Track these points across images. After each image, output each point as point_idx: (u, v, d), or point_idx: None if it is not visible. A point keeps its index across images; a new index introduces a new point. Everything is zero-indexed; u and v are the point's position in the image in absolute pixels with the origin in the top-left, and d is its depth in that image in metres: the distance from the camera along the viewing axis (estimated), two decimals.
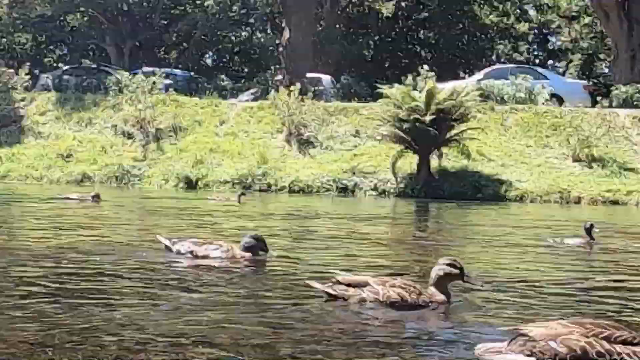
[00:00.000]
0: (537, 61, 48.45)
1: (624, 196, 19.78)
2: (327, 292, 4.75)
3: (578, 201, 19.81)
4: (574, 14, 44.02)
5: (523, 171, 21.75)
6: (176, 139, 24.52)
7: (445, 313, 4.55)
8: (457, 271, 4.69)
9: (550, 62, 49.21)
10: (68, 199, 14.55)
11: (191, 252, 6.41)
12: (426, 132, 20.27)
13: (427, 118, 20.15)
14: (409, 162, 21.65)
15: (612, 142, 23.14)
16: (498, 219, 14.25)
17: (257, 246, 6.45)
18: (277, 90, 25.14)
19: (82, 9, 42.75)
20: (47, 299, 4.79)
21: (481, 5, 45.40)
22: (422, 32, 46.68)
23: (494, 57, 47.10)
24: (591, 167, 21.89)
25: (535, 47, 49.29)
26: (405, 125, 20.65)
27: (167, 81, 29.19)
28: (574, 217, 14.41)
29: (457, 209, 16.74)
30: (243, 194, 16.87)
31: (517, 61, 45.30)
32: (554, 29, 47.42)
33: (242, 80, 39.62)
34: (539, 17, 47.00)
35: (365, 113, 24.03)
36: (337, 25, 42.47)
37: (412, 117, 20.32)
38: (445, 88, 22.87)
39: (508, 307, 4.86)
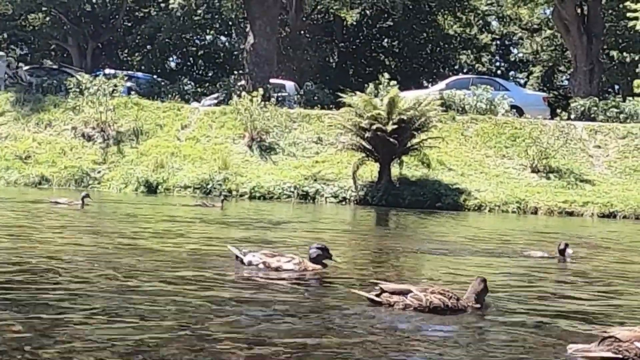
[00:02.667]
0: (499, 72, 49.17)
1: (580, 207, 20.13)
2: (372, 300, 5.06)
3: (535, 211, 20.10)
4: (535, 26, 44.76)
5: (482, 181, 22.02)
6: (137, 143, 24.33)
7: (481, 317, 5.00)
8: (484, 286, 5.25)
9: (511, 73, 49.98)
10: (57, 203, 14.22)
11: (264, 263, 6.43)
12: (387, 141, 20.40)
13: (389, 127, 20.29)
14: (370, 170, 21.80)
15: (570, 154, 23.56)
16: (458, 229, 14.42)
17: (323, 255, 6.51)
18: (239, 96, 25.09)
19: (44, 8, 42.23)
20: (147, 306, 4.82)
21: (445, 16, 45.94)
22: (386, 40, 47.09)
23: (456, 67, 47.69)
24: (549, 178, 22.24)
25: (497, 58, 50.04)
26: (367, 134, 20.77)
27: (129, 84, 29.00)
28: (529, 228, 14.66)
29: (417, 217, 16.89)
30: (225, 199, 16.82)
31: (479, 72, 45.95)
32: (516, 41, 48.21)
33: (206, 84, 39.50)
34: (502, 29, 47.74)
35: (328, 121, 24.11)
36: (302, 32, 42.55)
37: (374, 127, 20.45)
38: (408, 97, 23.08)
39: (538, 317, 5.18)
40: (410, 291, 5.02)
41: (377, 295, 5.07)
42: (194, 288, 5.55)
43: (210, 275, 6.14)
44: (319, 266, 6.46)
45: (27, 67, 33.49)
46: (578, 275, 7.46)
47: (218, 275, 6.19)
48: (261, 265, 6.44)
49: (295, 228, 12.20)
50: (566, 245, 8.62)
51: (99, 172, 22.88)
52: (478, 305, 5.16)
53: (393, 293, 5.03)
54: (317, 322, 4.58)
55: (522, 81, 48.28)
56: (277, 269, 6.36)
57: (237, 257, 6.57)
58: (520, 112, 27.52)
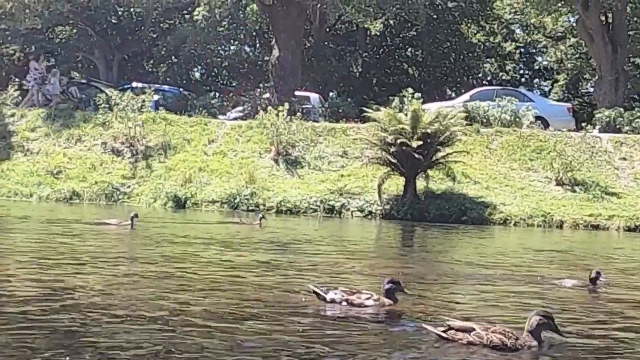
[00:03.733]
0: (523, 80, 49.07)
1: (606, 220, 20.14)
2: (440, 335, 5.47)
3: (560, 225, 20.15)
4: (559, 34, 44.63)
5: (507, 194, 22.10)
6: (165, 157, 24.71)
7: (537, 356, 5.35)
8: (548, 321, 5.51)
9: (536, 80, 49.85)
10: (106, 224, 14.06)
11: (346, 300, 6.66)
12: (412, 156, 20.58)
13: (414, 142, 20.47)
14: (396, 183, 21.98)
15: (595, 166, 23.56)
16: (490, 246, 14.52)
17: (396, 289, 6.79)
18: (265, 110, 25.41)
19: (71, 21, 42.86)
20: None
21: (468, 25, 45.95)
22: (409, 50, 47.17)
23: (480, 75, 47.66)
24: (574, 191, 22.28)
25: (521, 65, 49.91)
26: (392, 149, 20.97)
27: (156, 97, 29.43)
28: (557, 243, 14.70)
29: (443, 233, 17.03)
30: (263, 217, 16.59)
31: (503, 80, 45.91)
32: (540, 49, 48.09)
33: (230, 94, 39.85)
34: (525, 37, 47.63)
35: (353, 134, 24.33)
36: (325, 43, 42.83)
37: (398, 141, 20.64)
38: (431, 109, 23.25)
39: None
40: (473, 329, 5.44)
41: (444, 332, 5.50)
42: (282, 326, 5.80)
43: (293, 311, 6.37)
44: (391, 301, 6.75)
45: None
46: (614, 302, 7.55)
47: (303, 311, 6.43)
48: (344, 303, 6.66)
49: (341, 250, 12.22)
50: (598, 273, 8.56)
51: (129, 186, 23.27)
52: (535, 344, 5.46)
53: (458, 330, 5.46)
54: (395, 354, 5.04)
55: (546, 89, 48.16)
56: (359, 306, 6.63)
57: (318, 294, 6.78)
58: (545, 123, 27.55)
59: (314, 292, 6.79)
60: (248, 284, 7.78)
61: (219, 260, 9.82)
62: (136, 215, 14.03)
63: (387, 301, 6.72)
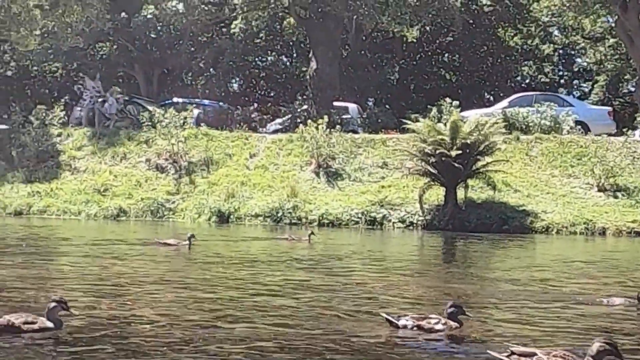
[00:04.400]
0: (562, 82, 48.69)
1: None
2: None
3: (603, 232, 20.07)
4: (598, 35, 44.21)
5: (548, 202, 22.06)
6: (208, 173, 25.16)
7: None
8: (611, 348, 5.66)
9: (575, 82, 49.43)
10: (166, 244, 14.16)
11: (417, 326, 6.93)
12: (452, 166, 20.70)
13: (453, 152, 20.58)
14: (436, 194, 22.09)
15: (637, 171, 23.39)
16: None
17: (459, 312, 7.06)
18: (304, 122, 25.72)
19: (111, 38, 43.72)
20: None
21: (505, 28, 45.77)
22: (447, 55, 47.16)
23: (518, 79, 47.42)
24: (616, 197, 22.16)
25: (560, 67, 49.52)
26: (432, 159, 21.11)
27: (197, 111, 29.95)
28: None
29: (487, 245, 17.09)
30: (312, 233, 16.54)
31: (542, 82, 45.61)
32: (579, 50, 47.67)
33: (268, 105, 40.25)
34: (564, 39, 47.27)
35: (392, 145, 24.51)
36: (362, 52, 43.05)
37: (437, 152, 20.78)
38: (470, 118, 23.32)
39: None
40: (535, 354, 5.69)
41: (508, 357, 5.74)
42: (359, 353, 6.03)
43: (367, 337, 6.59)
44: (457, 324, 7.01)
45: (100, 99, 34.74)
46: None
47: (376, 338, 6.65)
48: (415, 328, 6.92)
49: (395, 267, 12.35)
50: None
51: (173, 202, 23.73)
52: None
53: (521, 355, 5.70)
54: None
55: (586, 90, 47.72)
56: (429, 331, 6.89)
57: (390, 322, 7.03)
58: (585, 128, 27.41)
59: (387, 320, 7.04)
60: (317, 310, 7.87)
61: (283, 282, 9.83)
62: (193, 236, 14.22)
63: (453, 324, 6.97)
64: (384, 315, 7.14)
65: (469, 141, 20.92)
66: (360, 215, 21.79)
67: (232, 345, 6.02)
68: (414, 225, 21.40)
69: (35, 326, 6.30)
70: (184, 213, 23.18)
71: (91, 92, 29.92)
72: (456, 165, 20.66)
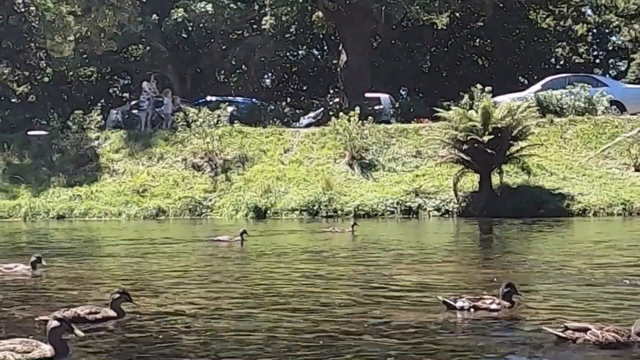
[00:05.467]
0: (597, 61, 48.05)
1: None
2: (558, 336, 5.95)
3: None
4: (632, 12, 43.56)
5: (585, 184, 21.93)
6: (243, 169, 25.47)
7: None
8: None
9: (610, 61, 48.77)
10: (220, 241, 14.32)
11: (473, 307, 7.20)
12: (485, 152, 20.68)
13: (485, 138, 20.56)
14: (471, 180, 22.10)
15: None
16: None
17: (511, 292, 7.28)
18: (336, 115, 25.85)
19: (143, 39, 44.27)
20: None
21: (537, 10, 45.29)
22: (478, 41, 46.82)
23: (552, 61, 46.93)
24: None
25: (594, 47, 48.87)
26: (464, 147, 21.11)
27: (230, 109, 30.23)
28: None
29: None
30: (355, 224, 16.71)
31: (577, 63, 45.05)
32: (613, 29, 47.00)
33: (301, 98, 40.42)
34: (597, 18, 46.64)
35: (425, 134, 24.54)
36: (392, 41, 42.98)
37: (469, 138, 20.78)
38: (503, 103, 23.24)
39: None
40: (589, 329, 5.92)
41: (562, 332, 5.97)
42: (418, 334, 6.25)
43: (425, 320, 6.80)
44: (509, 303, 7.24)
45: (134, 102, 35.26)
46: None
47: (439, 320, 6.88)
48: (472, 309, 7.18)
49: (442, 255, 12.39)
50: None
51: (210, 200, 24.09)
52: None
53: (575, 330, 5.92)
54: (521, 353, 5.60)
55: (622, 68, 47.05)
56: (485, 310, 7.17)
57: (447, 304, 7.28)
58: (621, 107, 27.11)
59: (444, 302, 7.29)
60: (376, 296, 8.09)
61: (342, 272, 9.90)
62: (245, 232, 14.36)
63: (506, 304, 7.21)
64: (441, 298, 7.37)
65: (500, 126, 20.88)
66: (395, 205, 21.89)
67: (301, 335, 6.15)
68: (450, 213, 21.45)
69: (99, 316, 6.67)
70: (221, 210, 23.51)
71: (148, 94, 30.29)
72: (489, 151, 20.64)
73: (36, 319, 6.70)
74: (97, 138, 28.28)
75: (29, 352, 5.38)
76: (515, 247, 13.85)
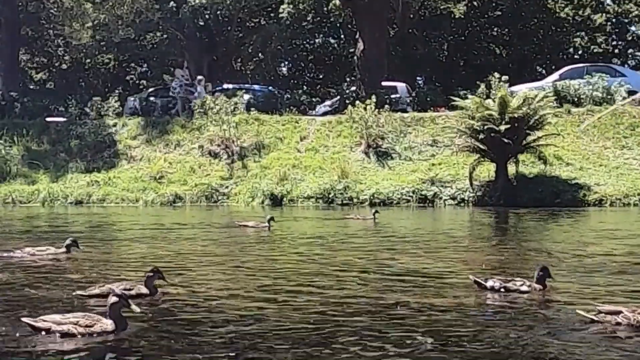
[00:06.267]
0: (616, 52, 47.68)
1: None
2: (591, 319, 6.06)
3: None
4: None
5: (601, 174, 21.87)
6: (260, 157, 25.57)
7: None
8: None
9: (630, 51, 48.38)
10: (246, 226, 14.44)
11: (504, 287, 7.34)
12: (501, 141, 20.67)
13: (502, 127, 20.54)
14: (487, 169, 22.09)
15: None
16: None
17: (545, 275, 7.43)
18: (353, 103, 25.88)
19: (161, 27, 44.41)
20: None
21: None
22: (495, 29, 46.59)
23: (571, 50, 46.62)
24: None
25: (613, 37, 48.48)
26: (481, 136, 21.10)
27: (247, 96, 30.32)
28: None
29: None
30: (377, 211, 16.80)
31: (594, 53, 44.74)
32: (632, 18, 46.59)
33: (317, 87, 40.42)
34: (616, 7, 46.26)
35: (441, 122, 24.53)
36: (410, 30, 42.87)
37: (486, 127, 20.76)
38: (520, 92, 23.18)
39: None
40: (621, 311, 6.05)
41: (595, 315, 6.10)
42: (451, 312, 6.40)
43: (465, 301, 6.94)
44: (541, 286, 7.38)
45: (151, 89, 35.46)
46: None
47: (467, 301, 7.00)
48: (502, 290, 7.32)
49: (467, 243, 12.47)
50: None
51: (227, 187, 24.21)
52: None
53: (608, 313, 6.06)
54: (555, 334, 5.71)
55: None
56: (515, 291, 7.30)
57: (479, 284, 7.46)
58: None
59: (475, 282, 7.45)
60: (406, 278, 8.25)
61: (372, 258, 10.00)
62: (272, 218, 14.56)
63: (537, 286, 7.35)
64: (473, 278, 7.53)
65: (517, 116, 20.84)
66: (411, 194, 21.93)
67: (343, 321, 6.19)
68: (465, 202, 21.46)
69: (132, 292, 6.92)
70: (237, 197, 23.63)
71: (181, 80, 30.35)
72: (505, 140, 20.62)
73: (73, 294, 7.07)
74: (115, 125, 28.47)
75: (91, 327, 5.56)
76: (536, 236, 13.83)
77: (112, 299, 5.69)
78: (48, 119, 30.31)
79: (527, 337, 5.55)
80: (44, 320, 5.56)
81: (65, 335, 5.46)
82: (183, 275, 8.41)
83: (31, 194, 24.65)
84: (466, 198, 21.54)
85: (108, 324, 5.59)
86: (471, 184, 21.53)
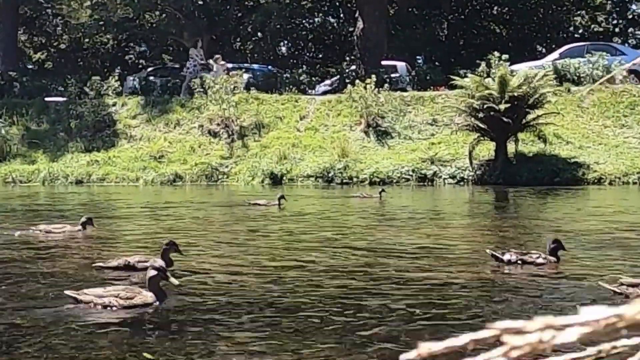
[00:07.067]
0: (616, 30, 47.54)
1: None
2: (613, 291, 6.11)
3: None
4: None
5: (601, 153, 21.91)
6: (259, 136, 25.58)
7: None
8: None
9: (630, 30, 48.23)
10: (257, 204, 14.59)
11: (521, 260, 7.48)
12: (501, 120, 20.68)
13: (502, 106, 20.54)
14: (487, 148, 22.12)
15: None
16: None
17: (559, 247, 7.56)
18: (352, 83, 25.85)
19: (159, 6, 44.23)
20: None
21: None
22: (495, 8, 46.42)
23: (571, 29, 46.47)
24: None
25: (614, 16, 48.30)
26: (480, 115, 21.11)
27: (247, 76, 30.25)
28: None
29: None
30: (383, 190, 16.94)
31: (595, 32, 44.61)
32: None
33: (317, 66, 40.31)
34: None
35: (441, 101, 24.52)
36: (409, 9, 42.72)
37: (485, 106, 20.77)
38: (520, 71, 23.16)
39: None
40: None
41: (617, 287, 6.13)
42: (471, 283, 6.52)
43: (474, 274, 7.04)
44: (555, 258, 7.52)
45: (151, 68, 35.37)
46: None
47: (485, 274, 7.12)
48: (519, 262, 7.48)
49: (475, 222, 12.67)
50: None
51: (227, 166, 24.24)
52: None
53: (629, 286, 6.08)
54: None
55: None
56: (531, 264, 7.44)
57: (495, 257, 7.59)
58: (639, 76, 26.91)
59: (492, 255, 7.59)
60: (423, 253, 8.38)
61: (388, 236, 10.02)
62: (283, 197, 14.74)
63: (552, 259, 7.49)
64: (490, 251, 7.67)
65: (517, 94, 20.83)
66: (410, 173, 21.98)
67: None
68: (465, 180, 21.51)
69: (147, 264, 6.99)
70: (237, 176, 23.67)
71: (195, 60, 30.17)
72: (505, 119, 20.63)
73: (92, 265, 7.44)
74: (115, 104, 28.41)
75: (131, 299, 5.68)
76: (537, 214, 13.86)
77: (152, 272, 5.79)
78: (47, 99, 30.26)
79: (552, 308, 5.59)
80: (86, 294, 5.71)
81: (106, 307, 5.60)
82: (206, 249, 8.59)
83: (31, 174, 24.67)
84: (466, 177, 21.59)
85: (148, 296, 5.71)
86: (471, 163, 21.57)
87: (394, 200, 16.87)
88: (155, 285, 5.76)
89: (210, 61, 29.52)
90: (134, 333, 5.11)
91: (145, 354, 4.46)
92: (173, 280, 5.84)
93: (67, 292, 5.80)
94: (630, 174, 20.28)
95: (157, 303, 5.70)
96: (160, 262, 6.24)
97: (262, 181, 22.91)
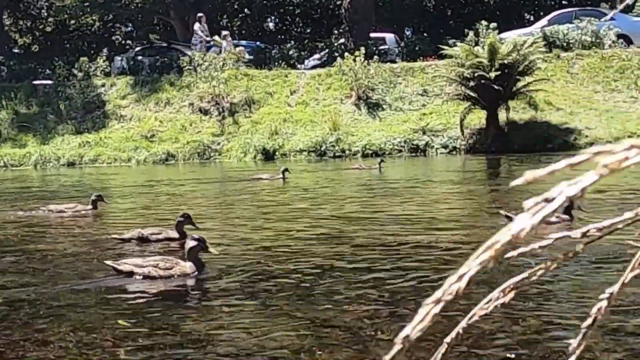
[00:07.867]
0: None
1: None
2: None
3: None
4: None
5: (592, 118, 21.97)
6: (250, 112, 25.52)
7: None
8: None
9: None
10: (260, 179, 14.63)
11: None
12: (492, 88, 20.70)
13: (492, 74, 20.56)
14: (478, 117, 22.15)
15: None
16: None
17: (571, 207, 7.54)
18: (342, 56, 25.78)
19: None
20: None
21: None
22: None
23: None
24: None
25: None
26: (471, 83, 21.11)
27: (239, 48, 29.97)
28: None
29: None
30: (383, 161, 17.13)
31: None
32: None
33: (305, 41, 40.12)
34: None
35: (431, 72, 24.49)
36: None
37: (476, 75, 20.77)
38: (509, 38, 23.14)
39: None
40: None
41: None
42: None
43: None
44: (568, 217, 7.57)
45: (139, 48, 35.14)
46: None
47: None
48: None
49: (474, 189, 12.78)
50: None
51: (219, 144, 24.22)
52: None
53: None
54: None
55: (630, 2, 46.35)
56: (545, 223, 7.39)
57: (509, 217, 7.55)
58: (628, 41, 26.92)
59: (506, 216, 7.62)
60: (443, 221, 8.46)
61: (395, 206, 10.03)
62: (287, 170, 14.75)
63: (566, 217, 7.57)
64: (503, 212, 7.73)
65: (507, 62, 20.83)
66: (403, 144, 22.02)
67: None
68: (457, 150, 21.57)
69: (160, 236, 7.28)
70: (229, 153, 23.66)
71: (200, 36, 29.90)
72: (496, 87, 20.65)
73: (109, 236, 7.59)
74: (103, 85, 28.27)
75: (170, 269, 5.74)
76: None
77: (191, 243, 5.84)
78: (35, 82, 30.08)
79: (577, 268, 5.55)
80: (126, 263, 5.77)
81: (146, 277, 5.65)
82: (222, 223, 8.71)
83: (22, 157, 24.61)
84: (458, 146, 21.65)
85: (187, 266, 5.77)
86: (462, 132, 21.61)
87: (390, 170, 16.94)
88: (194, 255, 5.82)
89: (217, 37, 29.35)
90: (172, 305, 5.06)
91: (119, 321, 4.44)
92: (213, 250, 5.92)
93: (107, 262, 5.87)
94: (621, 138, 20.30)
95: (196, 273, 5.77)
96: (198, 235, 6.31)
97: (255, 157, 22.91)
